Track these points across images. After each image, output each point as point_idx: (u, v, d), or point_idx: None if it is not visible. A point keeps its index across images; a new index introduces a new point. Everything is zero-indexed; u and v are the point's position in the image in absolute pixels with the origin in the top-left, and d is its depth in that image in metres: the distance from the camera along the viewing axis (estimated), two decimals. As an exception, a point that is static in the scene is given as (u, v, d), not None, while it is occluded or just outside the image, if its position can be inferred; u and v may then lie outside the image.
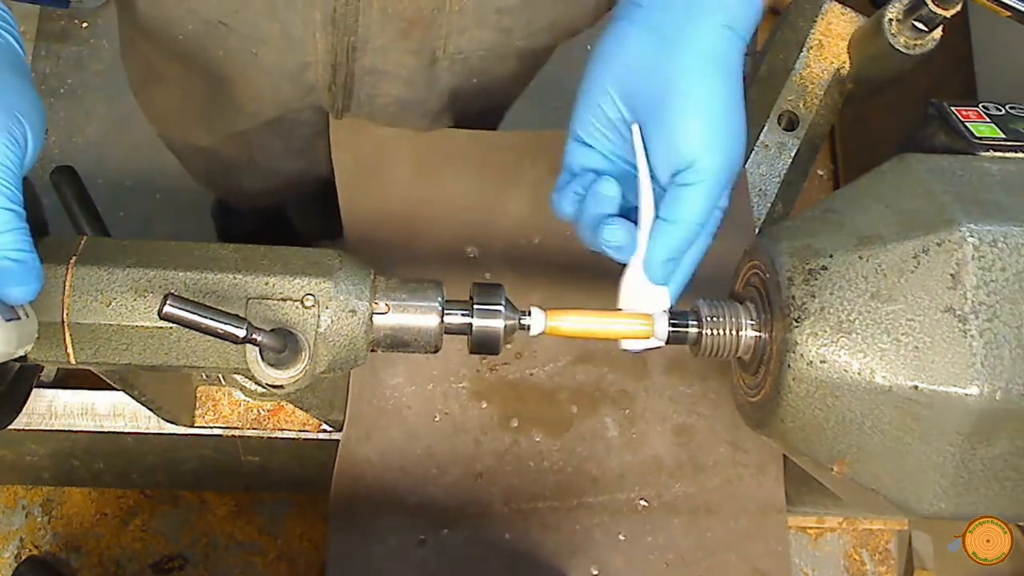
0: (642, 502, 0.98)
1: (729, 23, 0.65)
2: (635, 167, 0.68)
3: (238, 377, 0.80)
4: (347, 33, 0.89)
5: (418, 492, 0.97)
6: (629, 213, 0.70)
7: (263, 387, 0.65)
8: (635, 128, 0.66)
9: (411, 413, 0.98)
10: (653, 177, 0.67)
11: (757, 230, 1.08)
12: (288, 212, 1.62)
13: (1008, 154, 0.72)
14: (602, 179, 0.68)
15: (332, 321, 0.64)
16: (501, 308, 0.67)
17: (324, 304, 0.64)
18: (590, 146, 0.70)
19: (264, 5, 0.86)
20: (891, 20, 1.00)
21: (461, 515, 0.96)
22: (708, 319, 0.69)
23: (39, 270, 0.58)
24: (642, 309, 0.70)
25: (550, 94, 1.17)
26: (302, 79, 0.96)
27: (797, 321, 0.63)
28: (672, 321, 0.69)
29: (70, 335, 0.63)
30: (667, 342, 0.69)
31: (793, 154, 1.12)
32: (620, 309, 0.71)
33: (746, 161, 1.12)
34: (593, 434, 0.99)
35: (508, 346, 0.99)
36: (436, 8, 0.87)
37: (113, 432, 0.98)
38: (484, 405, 0.99)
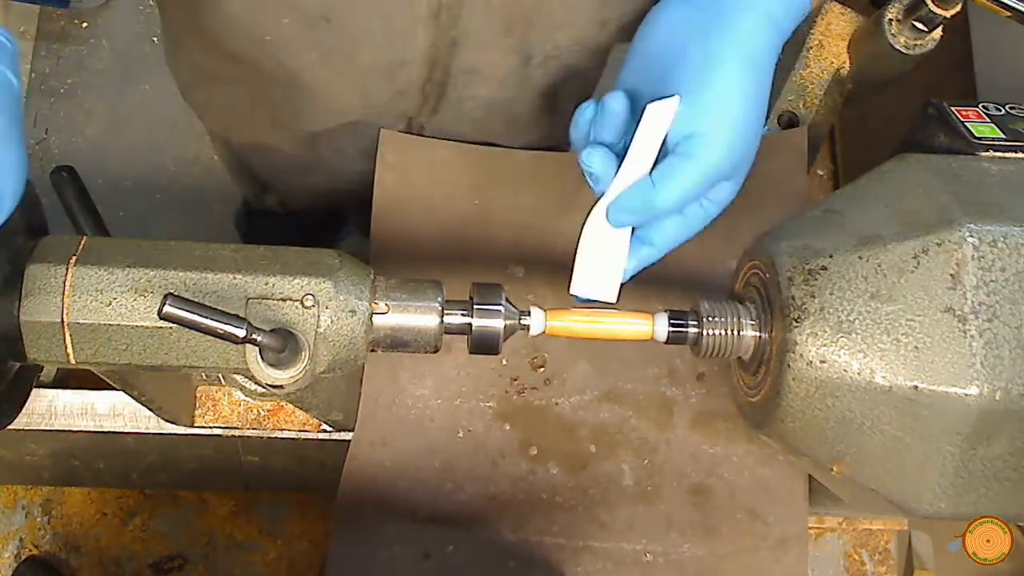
0: (648, 556, 0.96)
1: (772, 14, 0.67)
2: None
3: (238, 377, 0.80)
4: (449, 28, 0.86)
5: (430, 505, 0.96)
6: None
7: (263, 387, 0.65)
8: (670, 103, 0.66)
9: (434, 426, 0.97)
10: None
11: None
12: (348, 213, 1.61)
13: (1008, 154, 0.72)
14: (613, 94, 0.68)
15: (332, 321, 0.64)
16: (501, 308, 0.67)
17: (324, 304, 0.64)
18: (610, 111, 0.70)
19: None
20: (891, 20, 1.00)
21: (468, 535, 0.95)
22: (708, 319, 0.68)
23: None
24: (597, 267, 0.70)
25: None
26: (396, 78, 0.93)
27: (797, 321, 0.63)
28: (672, 321, 0.69)
29: (70, 335, 0.63)
30: (667, 342, 0.69)
31: (793, 154, 1.12)
32: (574, 261, 0.71)
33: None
34: (608, 478, 0.97)
35: (541, 369, 1.00)
36: (538, 2, 0.85)
37: (113, 432, 0.98)
38: (507, 427, 0.98)
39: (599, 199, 0.70)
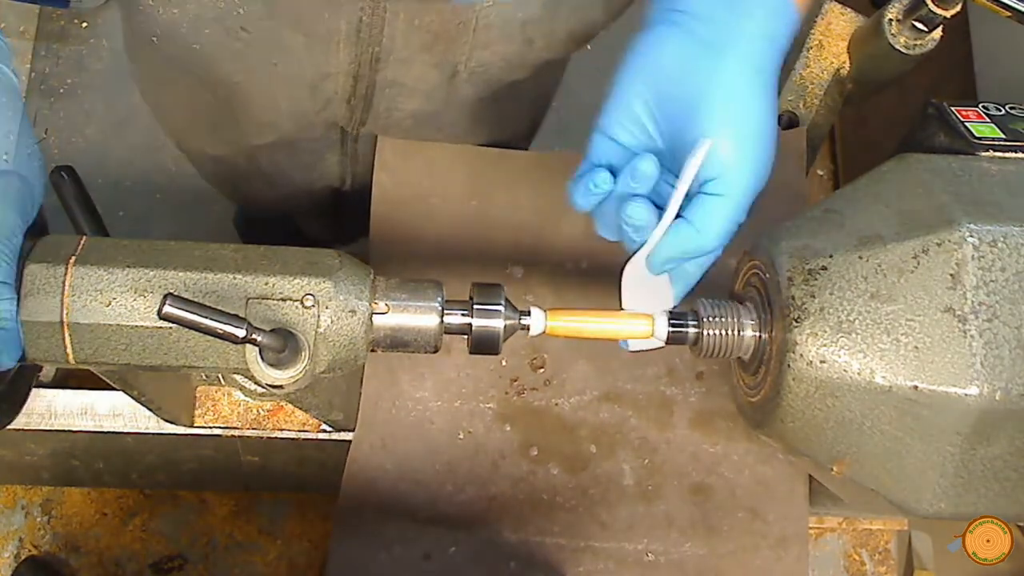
0: (649, 556, 0.96)
1: (769, 35, 0.65)
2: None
3: (238, 377, 0.80)
4: (371, 44, 0.87)
5: (430, 507, 0.96)
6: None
7: (263, 387, 0.65)
8: (704, 143, 0.65)
9: (434, 428, 0.97)
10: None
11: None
12: (296, 218, 1.63)
13: (1008, 154, 0.72)
14: (643, 156, 0.66)
15: (332, 321, 0.64)
16: (501, 308, 0.67)
17: (324, 304, 0.64)
18: (614, 141, 0.69)
19: (290, 13, 0.84)
20: (891, 20, 1.00)
21: (469, 536, 0.95)
22: (708, 319, 0.68)
23: (19, 340, 0.61)
24: (645, 307, 0.70)
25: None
26: (321, 90, 0.94)
27: (797, 321, 0.63)
28: (672, 321, 0.69)
29: (69, 335, 0.63)
30: (667, 342, 0.69)
31: (793, 154, 1.12)
32: (622, 306, 0.71)
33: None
34: (609, 478, 0.97)
35: (541, 370, 1.00)
36: (462, 23, 0.85)
37: (113, 432, 0.98)
38: (507, 428, 0.98)
39: (636, 251, 0.69)
